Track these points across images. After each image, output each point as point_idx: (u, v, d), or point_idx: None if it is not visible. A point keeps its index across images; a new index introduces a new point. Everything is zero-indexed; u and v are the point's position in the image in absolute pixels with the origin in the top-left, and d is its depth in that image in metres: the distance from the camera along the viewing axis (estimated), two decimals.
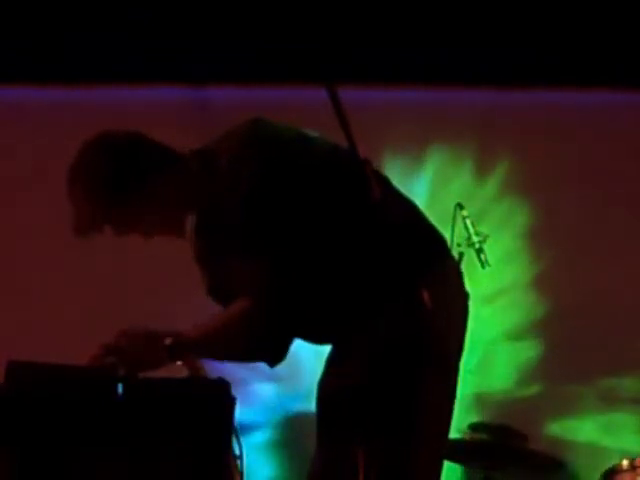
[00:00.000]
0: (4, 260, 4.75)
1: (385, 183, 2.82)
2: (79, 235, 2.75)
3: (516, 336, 4.78)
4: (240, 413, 2.52)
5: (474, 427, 4.36)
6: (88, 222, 2.76)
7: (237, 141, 2.77)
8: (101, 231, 2.77)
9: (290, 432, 4.68)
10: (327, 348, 2.90)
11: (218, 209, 2.73)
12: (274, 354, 2.81)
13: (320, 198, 2.69)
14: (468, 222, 4.37)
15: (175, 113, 4.67)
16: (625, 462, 3.87)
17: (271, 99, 4.61)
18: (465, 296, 2.85)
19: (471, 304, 2.87)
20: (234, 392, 2.50)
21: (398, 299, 2.57)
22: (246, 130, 2.80)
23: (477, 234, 4.36)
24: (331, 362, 2.87)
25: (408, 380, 2.63)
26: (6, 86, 4.86)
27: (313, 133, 2.86)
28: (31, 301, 4.67)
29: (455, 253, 3.95)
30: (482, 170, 4.90)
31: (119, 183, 2.72)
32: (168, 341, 2.62)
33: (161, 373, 2.63)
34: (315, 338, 2.89)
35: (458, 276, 2.86)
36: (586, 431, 4.68)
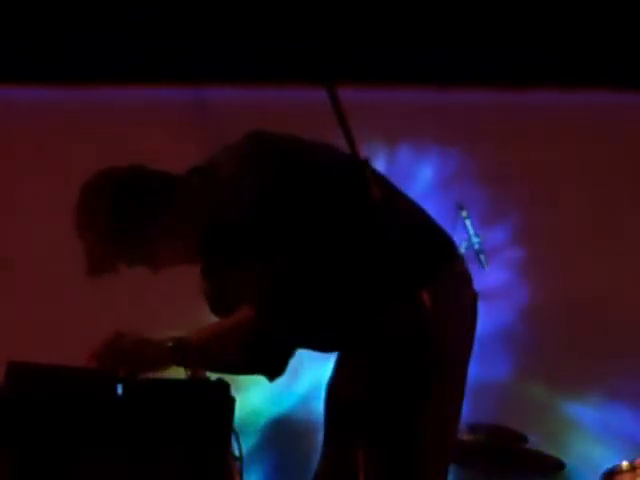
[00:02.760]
0: (4, 260, 4.74)
1: (388, 184, 2.82)
2: (93, 276, 2.76)
3: (514, 333, 4.78)
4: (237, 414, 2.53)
5: (473, 427, 4.36)
6: (101, 263, 2.76)
7: (237, 154, 2.77)
8: (115, 270, 2.78)
9: (287, 434, 4.68)
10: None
11: (220, 222, 2.73)
12: (274, 367, 2.81)
13: (321, 207, 2.69)
14: (468, 223, 4.37)
15: (175, 113, 4.67)
16: (625, 463, 3.87)
17: (271, 99, 4.61)
18: (473, 297, 2.85)
19: None
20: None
21: (403, 302, 2.57)
22: (245, 143, 2.80)
23: (477, 235, 4.37)
24: (338, 366, 2.87)
25: (411, 382, 2.63)
26: (6, 86, 4.86)
27: (311, 139, 2.85)
28: (31, 301, 4.67)
29: None
30: (482, 170, 4.90)
31: (126, 222, 2.72)
32: (170, 343, 2.62)
33: (161, 374, 2.63)
34: (320, 346, 2.88)
35: (465, 277, 2.85)
36: (587, 429, 4.68)
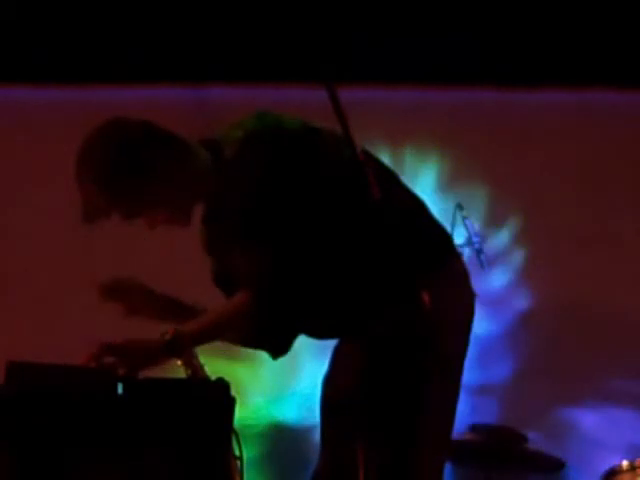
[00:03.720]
0: (4, 260, 4.74)
1: (389, 177, 2.82)
2: (87, 221, 2.73)
3: (514, 335, 4.78)
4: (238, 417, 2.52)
5: (474, 427, 4.37)
6: (97, 207, 2.73)
7: (243, 132, 2.78)
8: (108, 216, 2.75)
9: (287, 435, 4.68)
10: (326, 352, 2.91)
11: (224, 198, 2.73)
12: (276, 346, 2.81)
13: (324, 192, 2.69)
14: (468, 223, 4.37)
15: (175, 113, 4.66)
16: (625, 463, 3.88)
17: (271, 99, 4.61)
18: (471, 296, 2.85)
19: None
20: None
21: (399, 300, 2.57)
22: (252, 121, 2.81)
23: (477, 235, 4.36)
24: (334, 363, 2.87)
25: (409, 381, 2.63)
26: (6, 86, 4.86)
27: (318, 125, 2.85)
28: (31, 301, 4.67)
29: None
30: (483, 171, 4.90)
31: (130, 168, 2.70)
32: (167, 336, 2.61)
33: (161, 374, 2.63)
34: (317, 333, 2.88)
35: (463, 276, 2.86)
36: (586, 430, 4.68)
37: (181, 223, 2.81)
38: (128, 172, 2.70)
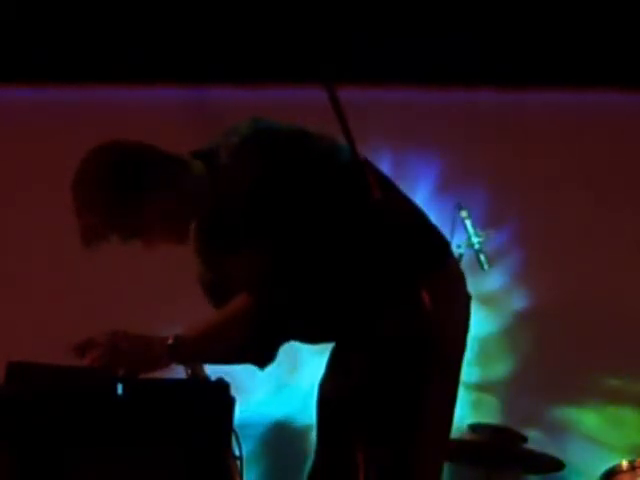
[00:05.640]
0: (4, 261, 4.74)
1: (387, 183, 2.83)
2: (86, 245, 2.73)
3: (514, 335, 4.78)
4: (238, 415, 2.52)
5: (474, 427, 4.36)
6: (96, 231, 2.73)
7: (237, 137, 2.77)
8: (107, 239, 2.74)
9: (285, 434, 4.68)
10: (327, 349, 2.91)
11: (220, 205, 2.73)
12: (264, 355, 2.81)
13: (321, 196, 2.69)
14: (468, 223, 4.37)
15: (175, 113, 4.67)
16: (625, 463, 3.88)
17: (271, 99, 4.61)
18: (467, 298, 2.86)
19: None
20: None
21: (399, 301, 2.57)
22: (245, 126, 2.80)
23: (477, 235, 4.36)
24: (332, 363, 2.87)
25: (409, 382, 2.64)
26: (6, 86, 4.86)
27: (313, 130, 2.85)
28: (31, 301, 4.67)
29: (455, 254, 3.95)
30: (482, 171, 4.90)
31: (129, 192, 2.69)
32: (170, 341, 2.61)
33: (161, 374, 2.63)
34: (315, 339, 2.89)
35: (460, 278, 2.87)
36: (586, 430, 4.68)
37: (179, 241, 2.81)
38: (126, 196, 2.69)
